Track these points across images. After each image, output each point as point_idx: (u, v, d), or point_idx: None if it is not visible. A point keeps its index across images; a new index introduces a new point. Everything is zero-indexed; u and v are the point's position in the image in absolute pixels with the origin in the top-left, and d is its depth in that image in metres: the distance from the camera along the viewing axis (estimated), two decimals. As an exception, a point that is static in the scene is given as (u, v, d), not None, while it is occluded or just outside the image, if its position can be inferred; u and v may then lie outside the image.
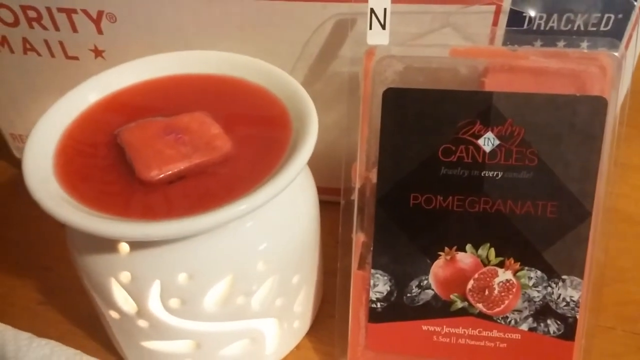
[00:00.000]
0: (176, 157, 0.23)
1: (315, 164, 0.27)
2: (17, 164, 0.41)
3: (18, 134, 0.38)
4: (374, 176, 0.26)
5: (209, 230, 0.21)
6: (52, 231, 0.36)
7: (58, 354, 0.29)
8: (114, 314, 0.25)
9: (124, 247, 0.22)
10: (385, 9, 0.24)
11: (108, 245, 0.22)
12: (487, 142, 0.25)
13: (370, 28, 0.25)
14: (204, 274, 0.23)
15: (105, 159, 0.23)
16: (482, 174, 0.25)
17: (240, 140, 0.24)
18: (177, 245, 0.22)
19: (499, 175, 0.25)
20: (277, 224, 0.24)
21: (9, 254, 0.36)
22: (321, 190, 0.28)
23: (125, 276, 0.23)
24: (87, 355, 0.28)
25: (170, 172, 0.22)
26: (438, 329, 0.26)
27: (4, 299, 0.33)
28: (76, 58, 0.32)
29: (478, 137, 0.25)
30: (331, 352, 0.29)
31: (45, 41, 0.31)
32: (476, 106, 0.24)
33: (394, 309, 0.27)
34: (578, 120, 0.24)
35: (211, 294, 0.23)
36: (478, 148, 0.25)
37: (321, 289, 0.31)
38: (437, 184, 0.25)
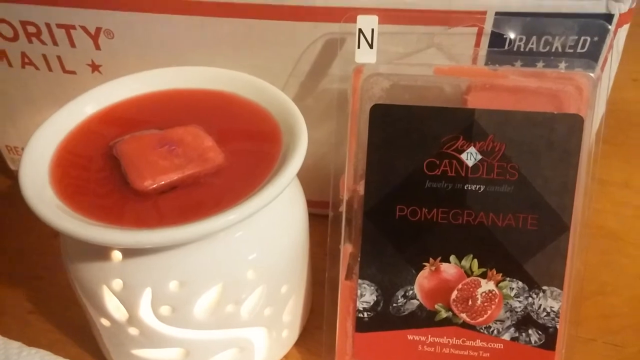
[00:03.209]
0: (169, 167, 0.24)
1: (305, 178, 0.28)
2: (11, 175, 0.41)
3: (13, 145, 0.38)
4: (361, 189, 0.27)
5: (199, 238, 0.22)
6: (44, 242, 0.37)
7: (48, 363, 0.29)
8: (105, 322, 0.25)
9: (116, 255, 0.23)
10: (372, 29, 0.25)
11: (101, 253, 0.23)
12: (470, 156, 0.26)
13: (359, 47, 0.26)
14: (194, 281, 0.23)
15: (100, 170, 0.24)
16: (465, 187, 0.26)
17: (232, 153, 0.25)
18: (168, 253, 0.23)
19: (481, 189, 0.26)
20: (267, 234, 0.25)
21: (2, 264, 0.36)
22: (311, 204, 0.28)
23: (117, 284, 0.23)
24: (78, 363, 0.29)
25: (163, 182, 0.23)
26: (423, 338, 0.27)
27: (-4, 309, 0.33)
28: (73, 72, 0.32)
29: (461, 151, 0.26)
30: (319, 361, 0.30)
31: (44, 55, 0.32)
32: (459, 122, 0.25)
33: (380, 319, 0.27)
34: (556, 136, 0.25)
35: (201, 301, 0.24)
36: (461, 162, 0.26)
37: (310, 299, 0.31)
38: (422, 196, 0.26)
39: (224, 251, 0.24)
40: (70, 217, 0.21)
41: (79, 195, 0.23)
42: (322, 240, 0.29)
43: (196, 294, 0.23)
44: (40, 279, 0.35)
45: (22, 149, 0.38)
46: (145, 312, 0.24)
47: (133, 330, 0.25)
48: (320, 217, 0.29)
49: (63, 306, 0.33)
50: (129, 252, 0.23)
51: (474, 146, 0.25)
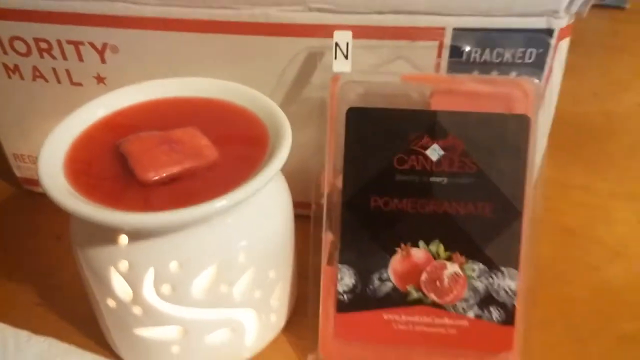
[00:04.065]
0: (170, 162, 0.27)
1: (290, 180, 0.31)
2: (17, 183, 0.44)
3: (20, 153, 0.41)
4: (339, 183, 0.30)
5: (195, 221, 0.25)
6: (47, 243, 0.40)
7: (55, 349, 0.32)
8: (111, 303, 0.28)
9: (122, 239, 0.26)
10: (347, 43, 0.29)
11: (108, 237, 0.26)
12: (434, 152, 0.29)
13: (335, 58, 0.29)
14: (192, 262, 0.26)
15: (108, 165, 0.27)
16: (431, 180, 0.29)
17: (225, 151, 0.28)
18: (169, 236, 0.26)
19: (445, 181, 0.29)
20: (256, 222, 0.28)
21: (10, 262, 0.39)
22: (296, 204, 0.31)
23: (123, 265, 0.26)
24: (82, 349, 0.32)
25: (164, 174, 0.26)
26: (397, 317, 0.30)
27: (5, 302, 0.36)
28: (80, 84, 0.36)
29: (426, 148, 0.29)
30: (306, 345, 0.33)
31: (53, 69, 0.35)
32: (424, 122, 0.29)
33: (358, 300, 0.30)
34: (507, 134, 0.29)
35: (198, 281, 0.27)
36: (426, 158, 0.29)
37: (296, 289, 0.34)
38: (393, 188, 0.30)
39: (218, 236, 0.27)
40: (82, 202, 0.24)
41: (90, 185, 0.26)
42: (306, 239, 0.32)
43: (193, 273, 0.26)
44: (45, 276, 0.37)
45: (29, 156, 0.41)
46: (148, 290, 0.27)
47: (137, 309, 0.27)
48: (304, 218, 0.32)
49: (67, 299, 0.36)
50: (134, 236, 0.26)
51: (437, 143, 0.29)
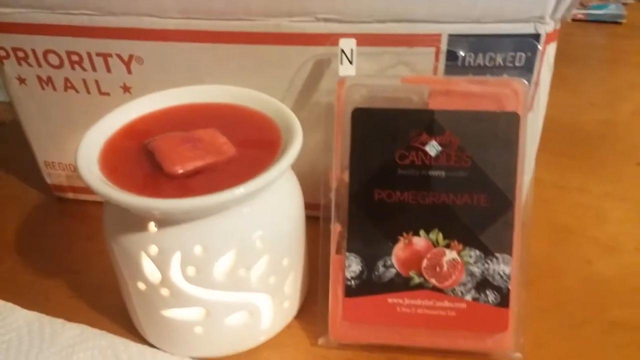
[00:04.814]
0: (193, 157, 0.30)
1: (300, 182, 0.34)
2: (47, 190, 0.47)
3: (51, 161, 0.45)
4: (346, 177, 0.33)
5: (217, 206, 0.28)
6: (77, 243, 0.43)
7: (87, 334, 0.35)
8: (141, 285, 0.31)
9: (152, 226, 0.29)
10: (352, 49, 0.32)
11: (139, 224, 0.29)
12: (432, 148, 0.32)
13: (341, 63, 0.33)
14: (214, 247, 0.29)
15: (138, 160, 0.30)
16: (430, 173, 0.32)
17: (242, 148, 0.31)
18: (193, 223, 0.29)
19: (443, 174, 0.32)
20: (270, 213, 0.31)
21: (44, 261, 0.42)
22: (306, 206, 0.34)
23: (153, 249, 0.29)
24: (111, 334, 0.35)
25: (189, 168, 0.29)
26: (400, 301, 0.33)
27: (41, 295, 0.39)
28: (108, 94, 0.39)
29: (425, 144, 0.32)
30: (317, 330, 0.35)
31: (84, 80, 0.39)
32: (423, 121, 0.32)
33: (365, 285, 0.33)
34: (499, 130, 0.31)
35: (219, 264, 0.30)
36: (425, 153, 0.32)
37: (307, 280, 0.37)
38: (395, 182, 0.32)
39: (237, 223, 0.30)
40: (115, 190, 0.27)
41: (122, 177, 0.29)
42: (317, 239, 0.35)
43: (215, 257, 0.29)
44: (76, 273, 0.40)
45: (59, 164, 0.44)
46: (175, 273, 0.29)
47: (164, 291, 0.30)
48: (315, 220, 0.35)
49: (97, 293, 0.38)
50: (163, 223, 0.29)
51: (435, 139, 0.32)
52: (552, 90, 0.37)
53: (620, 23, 0.86)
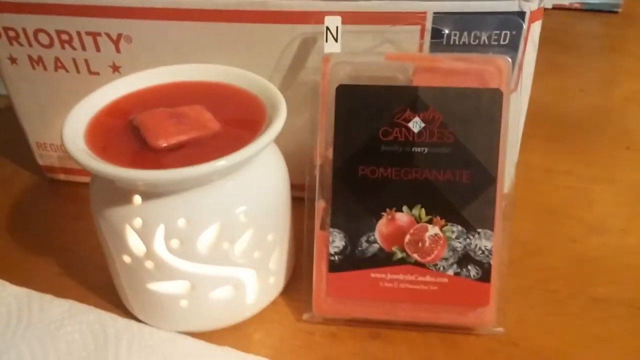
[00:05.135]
0: (178, 132, 0.30)
1: (287, 163, 0.34)
2: (39, 171, 0.48)
3: (43, 142, 0.45)
4: (330, 154, 0.33)
5: (199, 178, 0.28)
6: (67, 222, 0.44)
7: (75, 309, 0.35)
8: (126, 259, 0.31)
9: (136, 199, 0.29)
10: (337, 27, 0.32)
11: (124, 197, 0.29)
12: (415, 125, 0.32)
13: (327, 41, 0.33)
14: (197, 219, 0.29)
15: (123, 135, 0.31)
16: (413, 150, 0.32)
17: (227, 125, 0.32)
18: (177, 196, 0.29)
19: (426, 151, 0.32)
20: (255, 187, 0.31)
21: (34, 239, 0.42)
22: (293, 187, 0.34)
23: (137, 222, 0.29)
24: (99, 309, 0.35)
25: (173, 142, 0.30)
26: (383, 276, 0.33)
27: (30, 272, 0.39)
28: (97, 73, 0.39)
29: (408, 121, 0.32)
30: (302, 306, 0.36)
31: (73, 59, 0.39)
32: (406, 97, 0.32)
33: (348, 260, 0.33)
34: (481, 106, 0.32)
35: (203, 237, 0.30)
36: (409, 129, 0.32)
37: (293, 258, 0.37)
38: (379, 158, 0.33)
39: (221, 197, 0.30)
40: (101, 163, 0.28)
41: (108, 151, 0.29)
42: (302, 219, 0.35)
43: (199, 230, 0.30)
44: (65, 251, 0.41)
45: (51, 145, 0.45)
46: (159, 245, 0.30)
47: (149, 264, 0.31)
48: (301, 200, 0.35)
49: (85, 270, 0.39)
50: (147, 195, 0.29)
51: (418, 116, 0.32)
52: (545, 77, 0.37)
53: (616, 12, 0.86)
